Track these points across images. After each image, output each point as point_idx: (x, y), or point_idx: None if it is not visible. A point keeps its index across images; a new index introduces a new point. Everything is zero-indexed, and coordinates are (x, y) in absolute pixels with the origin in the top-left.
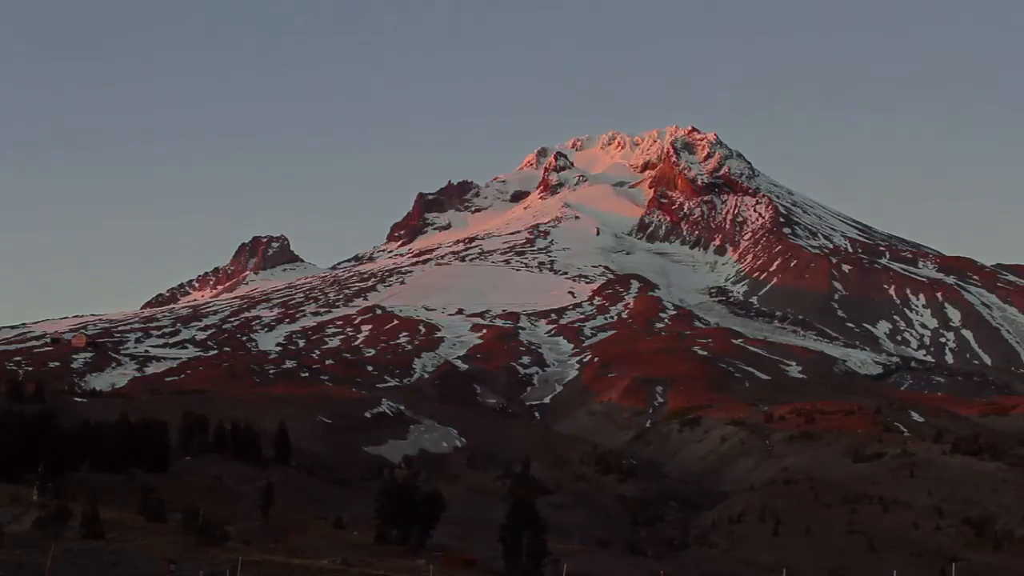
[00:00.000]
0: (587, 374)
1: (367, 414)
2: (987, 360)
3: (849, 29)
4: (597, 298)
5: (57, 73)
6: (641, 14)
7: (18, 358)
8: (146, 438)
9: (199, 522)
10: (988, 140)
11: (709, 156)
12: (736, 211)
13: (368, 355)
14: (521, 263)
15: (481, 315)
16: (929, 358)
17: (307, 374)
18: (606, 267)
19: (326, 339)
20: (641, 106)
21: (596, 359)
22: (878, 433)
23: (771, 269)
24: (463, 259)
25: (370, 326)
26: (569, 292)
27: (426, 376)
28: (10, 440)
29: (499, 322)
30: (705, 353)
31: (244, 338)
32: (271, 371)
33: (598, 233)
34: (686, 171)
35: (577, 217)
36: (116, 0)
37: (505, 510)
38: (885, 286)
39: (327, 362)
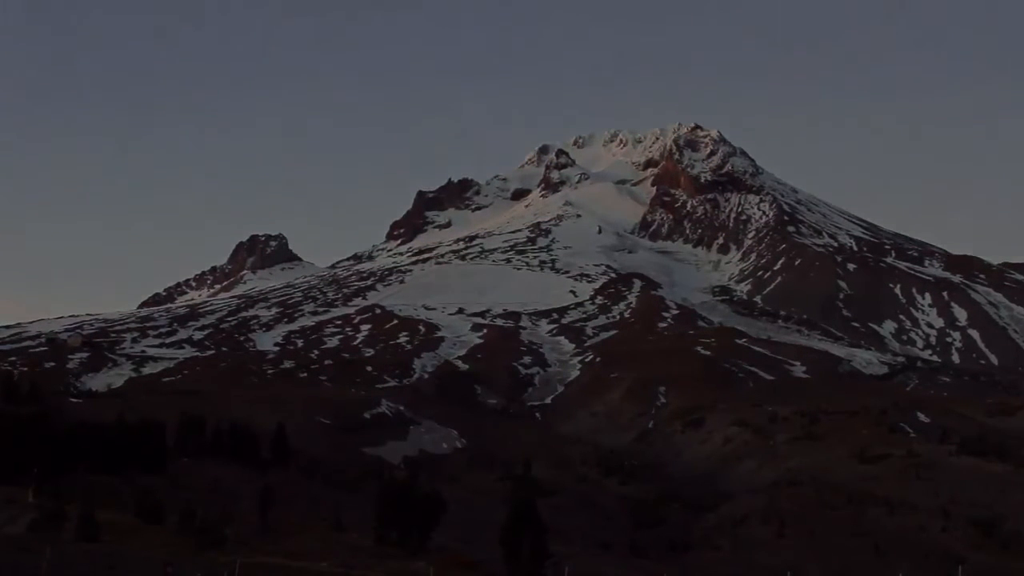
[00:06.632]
0: (589, 374)
1: (366, 414)
2: (994, 360)
3: (852, 26)
4: (599, 297)
5: (54, 70)
6: (643, 11)
7: (13, 358)
8: (143, 439)
9: (196, 524)
10: (994, 137)
11: (712, 154)
12: (740, 209)
13: (367, 355)
14: (522, 262)
15: (482, 314)
16: (935, 358)
17: (306, 374)
18: (608, 266)
19: (325, 339)
20: (643, 103)
21: (598, 359)
22: (883, 434)
23: (775, 268)
24: (463, 258)
25: (369, 326)
26: (571, 291)
27: (426, 376)
28: (5, 441)
29: (500, 322)
30: (708, 353)
31: (242, 338)
32: (269, 371)
33: (600, 231)
34: (689, 169)
35: (579, 215)
36: None
37: (506, 512)
38: (891, 285)
39: (326, 362)
